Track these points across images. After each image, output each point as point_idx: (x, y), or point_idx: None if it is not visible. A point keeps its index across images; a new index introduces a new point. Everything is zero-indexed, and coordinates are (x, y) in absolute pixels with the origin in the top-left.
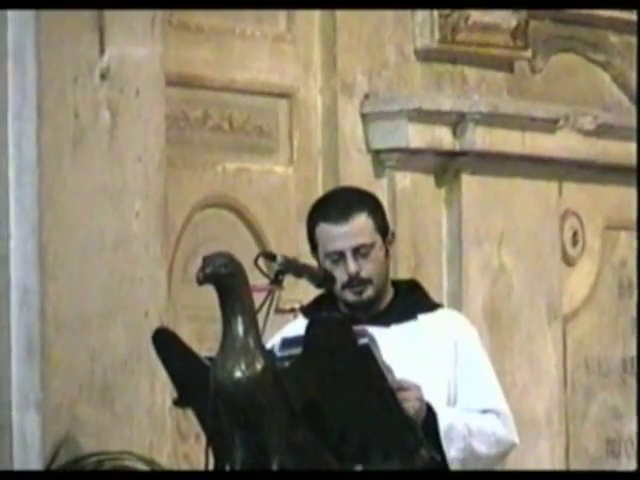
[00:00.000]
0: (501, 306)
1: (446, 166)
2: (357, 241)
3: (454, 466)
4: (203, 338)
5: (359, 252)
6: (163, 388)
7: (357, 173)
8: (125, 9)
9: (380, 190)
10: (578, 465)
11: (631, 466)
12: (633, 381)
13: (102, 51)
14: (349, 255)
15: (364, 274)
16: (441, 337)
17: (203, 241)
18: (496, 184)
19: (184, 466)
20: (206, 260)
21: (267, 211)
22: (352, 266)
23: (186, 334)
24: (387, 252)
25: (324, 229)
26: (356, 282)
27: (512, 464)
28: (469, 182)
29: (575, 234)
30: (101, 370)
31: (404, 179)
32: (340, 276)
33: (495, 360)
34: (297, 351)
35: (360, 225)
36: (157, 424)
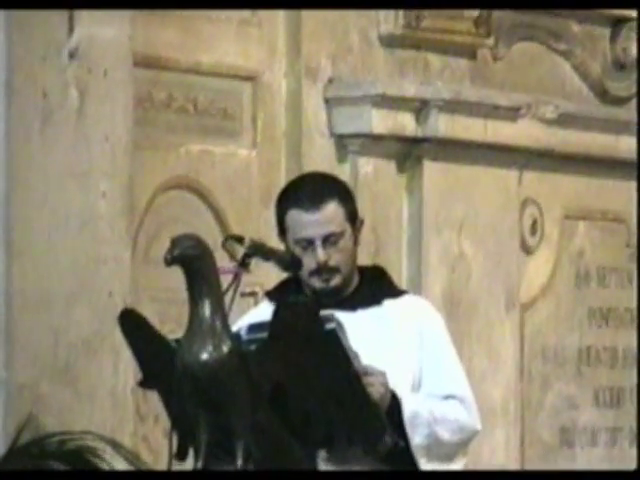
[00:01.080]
0: (460, 293)
1: (408, 152)
2: (327, 229)
3: (418, 452)
4: (164, 320)
5: (329, 240)
6: (126, 369)
7: (320, 157)
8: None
9: (343, 175)
10: (533, 454)
11: (585, 456)
12: (588, 371)
13: (71, 31)
14: (318, 243)
15: (332, 263)
16: (406, 323)
17: (166, 223)
18: (457, 171)
19: (142, 447)
20: (174, 241)
21: (230, 194)
22: (321, 254)
23: (147, 315)
24: (356, 240)
25: (294, 216)
26: (324, 270)
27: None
28: (431, 169)
29: (534, 223)
30: (65, 350)
31: (367, 164)
32: (308, 263)
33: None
34: (264, 335)
35: (331, 213)
36: (119, 405)
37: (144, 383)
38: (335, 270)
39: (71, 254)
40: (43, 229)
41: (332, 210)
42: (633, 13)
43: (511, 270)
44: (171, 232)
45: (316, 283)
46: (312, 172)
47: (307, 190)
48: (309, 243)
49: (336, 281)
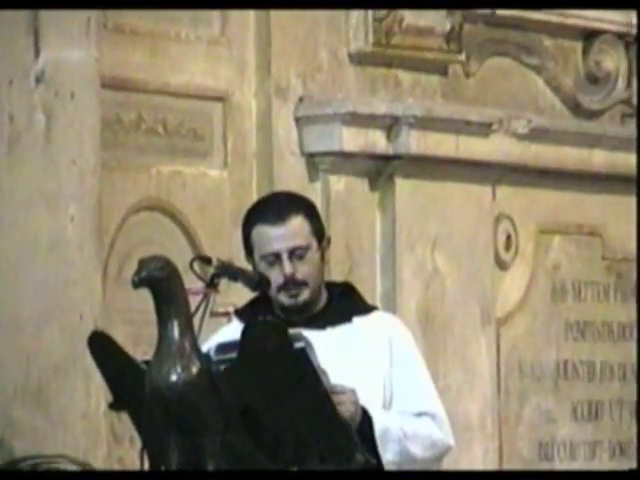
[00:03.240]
0: (435, 309)
1: (380, 170)
2: (293, 243)
3: (390, 469)
4: (137, 341)
5: (295, 254)
6: (98, 391)
7: (291, 176)
8: (59, 9)
9: (314, 193)
10: (511, 468)
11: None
12: (566, 385)
13: (37, 54)
14: (285, 257)
15: (299, 276)
16: (376, 339)
17: (137, 244)
18: (430, 188)
19: (118, 469)
20: (141, 263)
21: (201, 214)
22: (287, 267)
23: (120, 337)
24: (323, 256)
25: (260, 231)
26: (292, 284)
27: (445, 467)
28: (403, 186)
29: (508, 238)
30: (36, 373)
31: (338, 183)
32: (276, 278)
33: (429, 363)
34: (233, 355)
35: (296, 227)
36: (92, 427)
37: (114, 405)
38: (302, 284)
39: (40, 277)
40: (11, 252)
41: (297, 224)
42: (605, 25)
43: (486, 285)
44: (143, 254)
45: (284, 299)
46: (276, 191)
47: (272, 206)
48: (276, 258)
49: (304, 296)
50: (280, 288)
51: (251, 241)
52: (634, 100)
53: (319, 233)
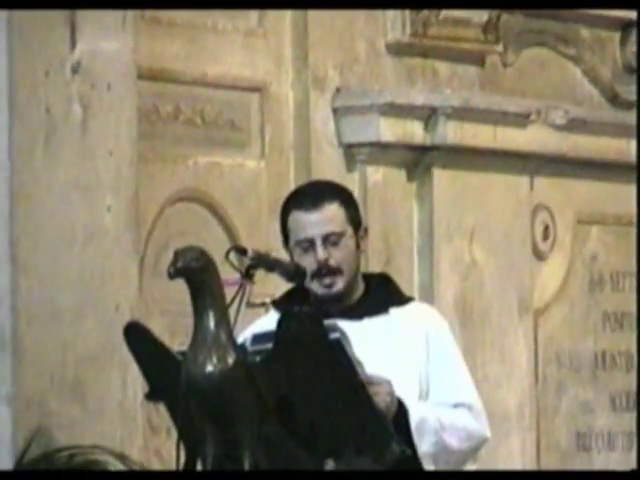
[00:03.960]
0: (472, 300)
1: (417, 160)
2: (327, 229)
3: (425, 460)
4: (174, 332)
5: (329, 240)
6: (134, 382)
7: (329, 167)
8: (97, 8)
9: (351, 184)
10: (549, 459)
11: (602, 460)
12: (604, 375)
13: (73, 45)
14: (319, 242)
15: (333, 262)
16: (413, 330)
17: (174, 235)
18: (467, 178)
19: (155, 460)
20: (177, 254)
21: (238, 205)
22: (321, 253)
23: (157, 328)
24: (358, 245)
25: (295, 217)
26: (325, 270)
27: (483, 458)
28: (440, 176)
29: (546, 228)
30: (72, 364)
31: (375, 173)
32: (309, 265)
33: (466, 354)
34: (268, 346)
35: (331, 213)
36: (128, 418)
37: (151, 396)
38: (336, 271)
39: (77, 268)
40: (48, 244)
41: (332, 210)
42: None
43: (524, 276)
44: (179, 244)
45: (318, 289)
46: (316, 179)
47: (308, 193)
48: (310, 244)
49: (339, 286)
50: (314, 275)
51: (287, 228)
52: None
53: (355, 221)
